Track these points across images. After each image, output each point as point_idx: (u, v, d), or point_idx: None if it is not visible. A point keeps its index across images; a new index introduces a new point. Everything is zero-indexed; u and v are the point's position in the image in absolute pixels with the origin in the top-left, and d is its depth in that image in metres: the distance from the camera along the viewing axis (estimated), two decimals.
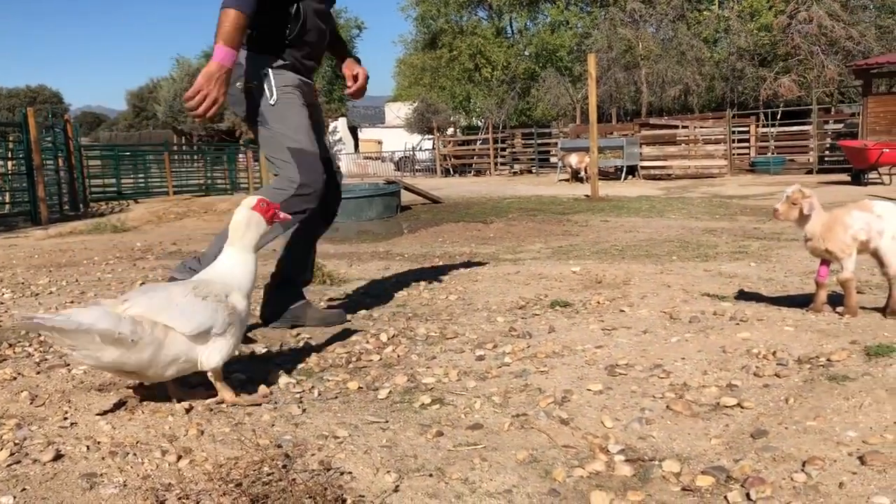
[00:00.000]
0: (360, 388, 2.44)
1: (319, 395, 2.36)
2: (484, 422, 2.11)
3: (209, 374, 2.20)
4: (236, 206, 2.42)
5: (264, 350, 2.92)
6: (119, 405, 2.20)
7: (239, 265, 2.33)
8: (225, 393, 2.23)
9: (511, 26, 37.59)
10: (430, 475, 1.77)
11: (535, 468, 1.80)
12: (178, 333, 2.08)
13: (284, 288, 3.32)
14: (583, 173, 18.23)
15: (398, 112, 39.93)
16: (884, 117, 17.62)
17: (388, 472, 1.77)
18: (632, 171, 19.87)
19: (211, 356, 2.15)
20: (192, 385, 2.33)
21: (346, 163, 38.42)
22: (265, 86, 2.94)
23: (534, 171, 25.26)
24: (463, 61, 34.79)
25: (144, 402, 2.22)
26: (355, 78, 3.33)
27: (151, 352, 2.03)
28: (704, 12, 29.81)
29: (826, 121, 21.11)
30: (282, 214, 2.47)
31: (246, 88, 2.94)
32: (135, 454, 1.86)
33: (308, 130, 3.02)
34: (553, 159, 23.13)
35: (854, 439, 1.86)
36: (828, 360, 2.44)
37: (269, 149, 3.01)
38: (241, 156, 23.75)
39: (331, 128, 38.24)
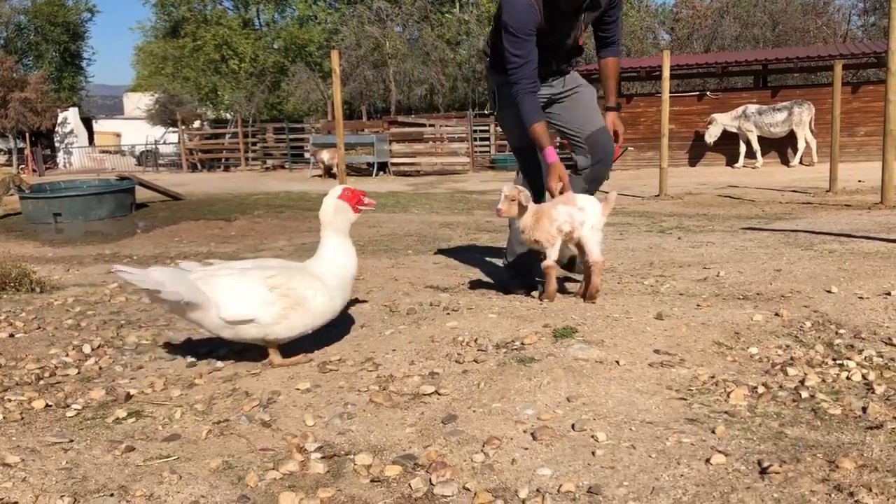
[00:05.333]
0: (47, 406, 2.23)
1: None
2: (182, 432, 2.03)
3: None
4: None
5: None
6: None
7: (340, 255, 2.65)
8: (273, 356, 2.57)
9: (259, 18, 36.67)
10: (111, 494, 1.66)
11: (227, 475, 1.76)
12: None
13: None
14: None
15: (138, 103, 37.15)
16: None
17: (63, 496, 1.64)
18: (383, 167, 20.25)
19: (258, 331, 2.47)
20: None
21: (79, 157, 35.18)
22: None
23: (287, 166, 24.83)
24: (208, 52, 33.30)
25: None
26: None
27: (199, 314, 2.43)
28: (447, 14, 31.17)
29: None
30: (366, 200, 2.74)
31: None
32: None
33: None
34: (307, 155, 22.86)
35: (530, 417, 2.03)
36: (521, 343, 2.62)
37: None
38: None
39: (60, 118, 34.74)
